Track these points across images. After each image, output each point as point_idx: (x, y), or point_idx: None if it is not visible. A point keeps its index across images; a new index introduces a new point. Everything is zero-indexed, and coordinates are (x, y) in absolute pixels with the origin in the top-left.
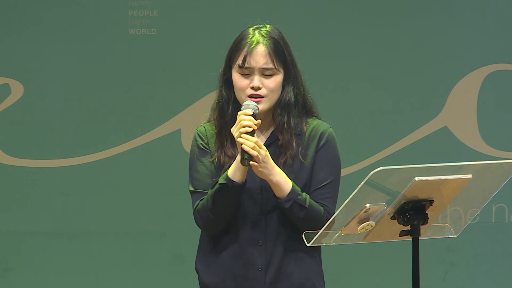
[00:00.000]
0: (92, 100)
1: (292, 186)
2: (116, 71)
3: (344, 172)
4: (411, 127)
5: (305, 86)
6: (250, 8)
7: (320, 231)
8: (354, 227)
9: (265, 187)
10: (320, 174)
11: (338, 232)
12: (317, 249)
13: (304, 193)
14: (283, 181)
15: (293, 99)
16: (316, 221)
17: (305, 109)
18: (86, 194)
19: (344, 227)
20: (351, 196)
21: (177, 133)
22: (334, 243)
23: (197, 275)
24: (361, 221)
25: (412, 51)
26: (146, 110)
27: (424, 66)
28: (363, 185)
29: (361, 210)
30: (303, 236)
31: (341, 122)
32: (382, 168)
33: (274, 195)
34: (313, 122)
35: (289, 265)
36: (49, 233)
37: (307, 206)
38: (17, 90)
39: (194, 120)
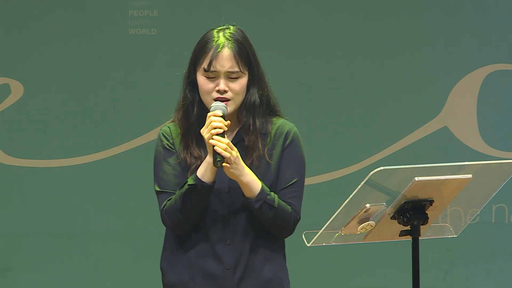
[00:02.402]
0: (92, 100)
1: (262, 186)
2: (116, 71)
3: (344, 172)
4: (411, 127)
5: (269, 86)
6: (250, 8)
7: (320, 231)
8: (354, 227)
9: (233, 187)
10: (286, 174)
11: (338, 232)
12: (282, 246)
13: (273, 193)
14: (253, 182)
15: (258, 100)
16: (284, 220)
17: (269, 109)
18: (86, 194)
19: (344, 227)
20: (351, 196)
21: None
22: (334, 243)
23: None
24: (361, 221)
25: (412, 51)
26: (146, 110)
27: (424, 66)
28: (363, 185)
29: (361, 210)
30: (303, 236)
31: (341, 122)
32: (382, 168)
33: (242, 195)
34: (278, 122)
35: (257, 263)
36: (49, 233)
37: (276, 206)
38: (17, 90)
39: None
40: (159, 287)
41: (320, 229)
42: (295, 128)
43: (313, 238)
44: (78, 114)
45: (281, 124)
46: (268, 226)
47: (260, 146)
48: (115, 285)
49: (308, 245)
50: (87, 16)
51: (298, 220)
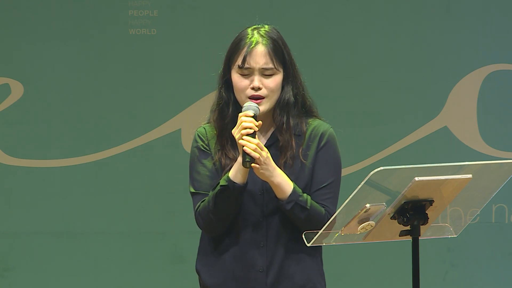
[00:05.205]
0: (92, 100)
1: (294, 188)
2: (116, 71)
3: (344, 172)
4: (411, 127)
5: (304, 86)
6: (250, 8)
7: (320, 231)
8: (354, 227)
9: (266, 188)
10: (320, 175)
11: (338, 232)
12: (318, 249)
13: (305, 194)
14: (284, 183)
15: (292, 99)
16: (317, 222)
17: (305, 109)
18: (86, 194)
19: (344, 227)
20: (351, 196)
21: (177, 133)
22: (334, 243)
23: (197, 276)
24: (361, 221)
25: (412, 51)
26: (146, 110)
27: (424, 66)
28: (363, 185)
29: (361, 210)
30: (303, 236)
31: (341, 122)
32: (382, 168)
33: (275, 196)
34: (314, 123)
35: (290, 266)
36: (49, 233)
37: (308, 207)
38: (17, 90)
39: (194, 120)
40: (159, 287)
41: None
42: (331, 129)
43: (313, 238)
44: (78, 114)
45: (317, 125)
46: (301, 228)
47: (294, 145)
48: (115, 285)
49: (308, 245)
50: (87, 16)
51: None
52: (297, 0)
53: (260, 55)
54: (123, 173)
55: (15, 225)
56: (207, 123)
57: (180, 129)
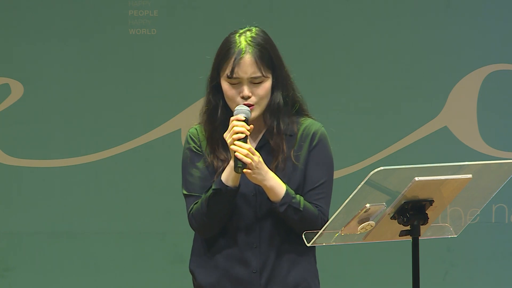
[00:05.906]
0: (92, 100)
1: (286, 190)
2: (116, 71)
3: (344, 172)
4: (411, 127)
5: (294, 85)
6: (250, 8)
7: (320, 231)
8: (354, 227)
9: (259, 191)
10: (313, 175)
11: (338, 232)
12: (311, 249)
13: (298, 196)
14: (277, 185)
15: (282, 102)
16: (311, 223)
17: (295, 109)
18: (86, 194)
19: (344, 227)
20: (351, 196)
21: (177, 133)
22: (334, 243)
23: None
24: (361, 221)
25: (412, 51)
26: (146, 110)
27: (424, 65)
28: (363, 185)
29: (361, 210)
30: (303, 236)
31: (341, 122)
32: (382, 168)
33: (268, 198)
34: (305, 122)
35: (284, 267)
36: (49, 233)
37: (301, 209)
38: (17, 90)
39: (194, 120)
40: (159, 287)
41: (320, 229)
42: (323, 128)
43: (313, 238)
44: (78, 114)
45: (308, 124)
46: (295, 229)
47: (285, 148)
48: (115, 285)
49: (308, 245)
50: (87, 16)
51: (326, 221)
52: (297, 1)
53: (248, 64)
54: (123, 173)
55: (15, 225)
56: (199, 124)
57: (180, 129)
